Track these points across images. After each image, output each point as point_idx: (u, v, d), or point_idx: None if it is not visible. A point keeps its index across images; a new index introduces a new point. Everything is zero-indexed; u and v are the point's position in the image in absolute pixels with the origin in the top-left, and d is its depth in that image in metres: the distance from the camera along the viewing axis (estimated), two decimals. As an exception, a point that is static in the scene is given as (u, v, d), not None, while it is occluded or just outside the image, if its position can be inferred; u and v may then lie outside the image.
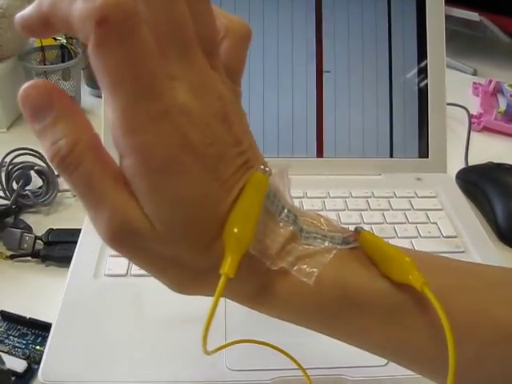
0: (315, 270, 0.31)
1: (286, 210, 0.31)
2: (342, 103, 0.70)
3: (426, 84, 0.71)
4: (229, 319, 0.49)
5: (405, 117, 0.71)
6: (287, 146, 0.69)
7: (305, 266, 0.31)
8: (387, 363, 0.47)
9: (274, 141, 0.69)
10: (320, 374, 0.45)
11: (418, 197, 0.67)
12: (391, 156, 0.71)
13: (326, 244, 0.32)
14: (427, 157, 0.71)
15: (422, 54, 0.71)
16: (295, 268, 0.31)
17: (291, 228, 0.31)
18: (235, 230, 0.28)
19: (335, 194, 0.66)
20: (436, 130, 0.70)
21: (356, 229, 0.33)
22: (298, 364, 0.41)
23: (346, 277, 0.31)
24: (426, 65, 0.70)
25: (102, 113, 0.70)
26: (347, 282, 0.31)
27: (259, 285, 0.32)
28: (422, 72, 0.71)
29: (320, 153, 0.70)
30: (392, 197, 0.66)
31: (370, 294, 0.32)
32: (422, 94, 0.71)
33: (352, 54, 0.70)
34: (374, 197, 0.66)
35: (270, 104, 0.69)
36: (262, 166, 0.30)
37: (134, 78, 0.25)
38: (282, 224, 0.31)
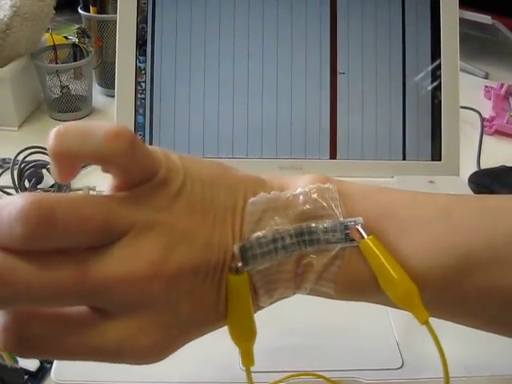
0: (332, 285, 0.33)
1: (279, 245, 0.31)
2: (356, 105, 0.70)
3: (440, 87, 0.70)
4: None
5: (418, 119, 0.70)
6: (300, 148, 0.69)
7: (323, 282, 0.33)
8: (402, 366, 0.46)
9: (287, 142, 0.69)
10: (334, 376, 0.44)
11: (432, 200, 0.66)
12: (404, 158, 0.70)
13: (331, 247, 0.32)
14: (440, 159, 0.70)
15: (435, 56, 0.70)
16: (317, 285, 0.33)
17: (292, 257, 0.32)
18: (235, 339, 0.33)
19: (348, 196, 0.66)
20: (449, 133, 0.70)
21: (358, 229, 0.32)
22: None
23: (360, 284, 0.33)
24: (440, 67, 0.70)
25: (113, 112, 0.70)
26: (364, 290, 0.33)
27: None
28: (436, 75, 0.70)
29: (333, 154, 0.69)
30: (405, 199, 0.66)
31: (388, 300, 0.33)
32: (436, 96, 0.70)
33: (366, 56, 0.70)
34: (387, 199, 0.66)
35: (283, 105, 0.69)
36: (233, 265, 0.31)
37: None
38: (284, 257, 0.32)
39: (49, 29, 0.96)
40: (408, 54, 0.70)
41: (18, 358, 0.45)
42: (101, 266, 0.27)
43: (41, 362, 0.48)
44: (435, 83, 0.70)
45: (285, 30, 0.70)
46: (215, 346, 0.47)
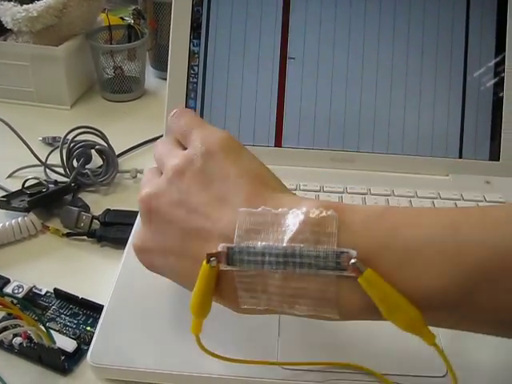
0: (334, 310, 0.34)
1: (267, 259, 0.34)
2: (413, 98, 0.67)
3: (502, 83, 0.67)
4: (283, 318, 0.48)
5: (477, 116, 0.67)
6: (353, 139, 0.67)
7: (323, 308, 0.35)
8: (446, 374, 0.44)
9: (339, 133, 0.67)
10: (375, 380, 0.43)
11: (487, 201, 0.63)
12: (460, 156, 0.67)
13: (322, 272, 0.33)
14: (498, 159, 0.67)
15: (499, 50, 0.67)
16: (317, 311, 0.35)
17: (278, 272, 0.34)
18: (192, 311, 0.38)
19: (400, 193, 0.63)
20: (509, 133, 0.67)
21: (355, 264, 0.32)
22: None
23: (362, 311, 0.34)
24: (504, 62, 0.67)
25: (165, 95, 0.69)
26: (368, 316, 0.35)
27: None
28: (499, 70, 0.67)
29: (386, 149, 0.67)
30: (459, 199, 0.63)
31: None
32: (497, 93, 0.67)
33: (427, 49, 0.67)
34: (441, 198, 0.63)
35: (338, 94, 0.67)
36: (211, 258, 0.35)
37: None
38: (270, 273, 0.34)
39: (105, 9, 0.96)
40: (471, 47, 0.67)
41: (56, 338, 0.46)
42: None
43: (78, 344, 0.48)
44: (497, 79, 0.67)
45: (343, 17, 0.68)
46: (258, 343, 0.46)
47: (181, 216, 0.38)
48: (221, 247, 0.35)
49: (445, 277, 0.32)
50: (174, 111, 0.45)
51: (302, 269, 0.33)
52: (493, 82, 0.67)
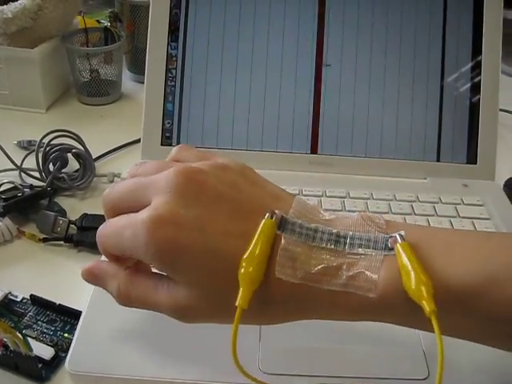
0: (373, 283, 0.35)
1: (318, 235, 0.37)
2: (391, 102, 0.67)
3: (479, 87, 0.68)
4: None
5: (454, 120, 0.68)
6: (332, 144, 0.67)
7: (361, 283, 0.36)
8: (428, 376, 0.44)
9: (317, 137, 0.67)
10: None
11: (465, 204, 0.64)
12: (438, 160, 0.68)
13: (370, 251, 0.36)
14: (475, 163, 0.68)
15: (476, 54, 0.68)
16: (351, 285, 0.36)
17: (329, 247, 0.37)
18: (243, 270, 0.35)
19: (379, 196, 0.64)
20: (486, 136, 0.68)
21: (400, 234, 0.36)
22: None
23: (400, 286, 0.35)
24: (480, 66, 0.68)
25: (142, 98, 0.69)
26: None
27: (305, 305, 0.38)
28: (475, 74, 0.68)
29: (365, 152, 0.68)
30: (437, 202, 0.64)
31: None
32: (474, 97, 0.68)
33: (404, 51, 0.68)
34: (419, 201, 0.64)
35: (317, 101, 0.67)
36: (268, 214, 0.37)
37: None
38: (317, 248, 0.37)
39: (81, 12, 0.95)
40: (448, 50, 0.68)
41: (33, 346, 0.45)
42: None
43: (55, 351, 0.47)
44: (474, 83, 0.68)
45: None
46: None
47: (233, 196, 0.38)
48: (278, 212, 0.37)
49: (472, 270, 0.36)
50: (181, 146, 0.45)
51: (352, 248, 0.36)
52: (469, 85, 0.68)
